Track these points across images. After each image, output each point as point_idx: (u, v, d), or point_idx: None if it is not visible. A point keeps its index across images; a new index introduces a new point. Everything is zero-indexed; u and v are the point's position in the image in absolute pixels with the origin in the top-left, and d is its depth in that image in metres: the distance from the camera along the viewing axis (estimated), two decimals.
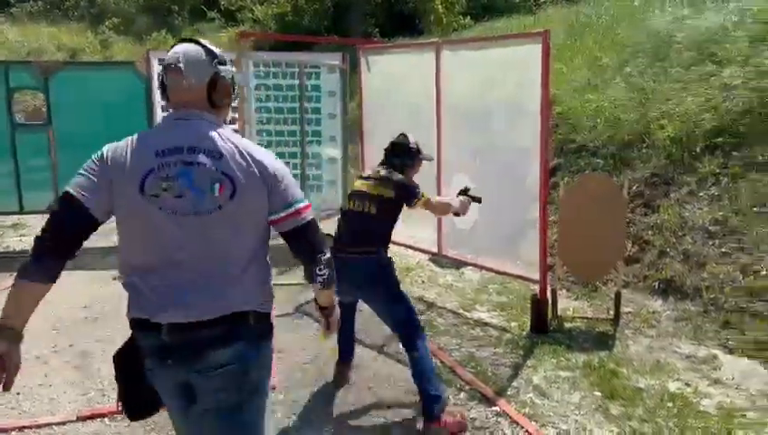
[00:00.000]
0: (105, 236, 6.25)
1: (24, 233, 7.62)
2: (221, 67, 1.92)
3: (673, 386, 3.74)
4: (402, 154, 3.64)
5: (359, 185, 3.56)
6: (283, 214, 1.89)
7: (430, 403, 3.21)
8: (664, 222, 5.32)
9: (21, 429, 3.21)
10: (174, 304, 1.78)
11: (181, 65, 1.86)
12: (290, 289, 5.54)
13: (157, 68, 6.85)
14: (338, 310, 2.19)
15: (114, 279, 5.77)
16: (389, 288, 3.38)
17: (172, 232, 1.79)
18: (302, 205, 1.92)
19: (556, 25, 9.28)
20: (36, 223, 7.75)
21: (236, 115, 6.66)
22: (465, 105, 5.11)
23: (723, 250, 4.81)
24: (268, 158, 1.89)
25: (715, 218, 5.02)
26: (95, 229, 1.84)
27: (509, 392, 3.69)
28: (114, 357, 1.98)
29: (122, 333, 3.39)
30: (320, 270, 1.96)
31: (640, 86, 6.67)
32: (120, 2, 20.97)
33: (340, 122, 7.08)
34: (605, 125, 6.51)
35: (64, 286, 5.57)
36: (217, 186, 1.79)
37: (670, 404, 3.53)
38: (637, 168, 5.92)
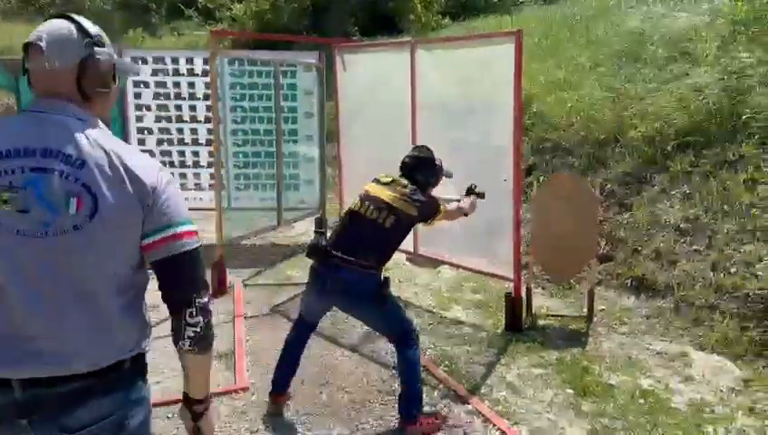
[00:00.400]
0: None
1: None
2: (97, 48, 1.50)
3: (645, 383, 3.78)
4: (427, 171, 3.43)
5: (377, 190, 3.26)
6: (157, 238, 1.46)
7: (408, 404, 3.20)
8: (636, 220, 5.38)
9: None
10: (26, 355, 1.39)
11: (42, 43, 1.45)
12: (265, 289, 5.51)
13: None
14: (213, 408, 1.64)
15: None
16: (384, 307, 3.19)
17: (15, 258, 1.38)
18: (183, 228, 1.49)
19: (533, 25, 9.34)
20: None
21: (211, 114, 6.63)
22: (440, 104, 5.11)
23: (694, 248, 4.87)
24: (147, 167, 1.48)
25: (686, 217, 5.08)
26: None
27: (482, 390, 3.70)
28: None
29: None
30: (190, 316, 1.49)
31: (614, 85, 6.73)
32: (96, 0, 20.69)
33: (317, 121, 7.06)
34: (580, 124, 6.56)
35: None
36: (74, 200, 1.39)
37: (641, 401, 3.57)
38: (610, 166, 5.97)
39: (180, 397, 1.63)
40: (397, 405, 3.28)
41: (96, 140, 1.45)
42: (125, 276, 1.48)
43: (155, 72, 6.85)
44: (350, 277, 3.09)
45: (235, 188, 7.21)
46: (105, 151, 1.44)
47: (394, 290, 5.42)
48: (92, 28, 1.52)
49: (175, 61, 6.85)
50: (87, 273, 1.42)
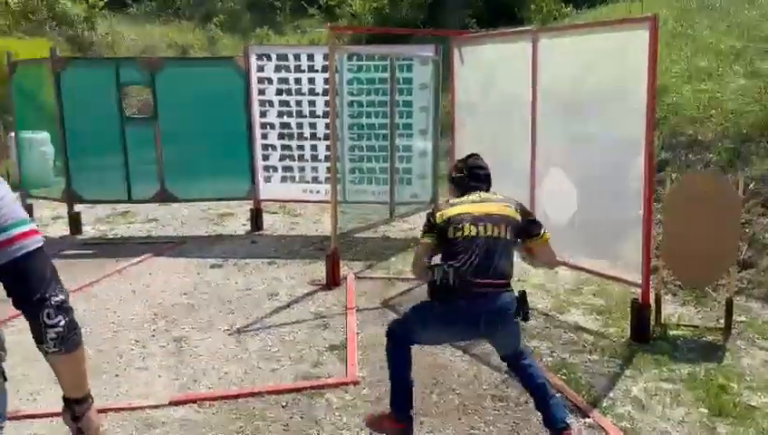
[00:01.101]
0: (213, 223, 6.43)
1: (131, 221, 8.09)
2: None
3: None
4: (488, 180, 3.23)
5: (482, 208, 2.99)
6: None
7: (563, 410, 2.97)
8: None
9: (117, 410, 3.37)
10: None
11: None
12: (377, 283, 5.52)
13: (255, 63, 7.03)
14: (94, 412, 1.55)
15: (212, 267, 5.99)
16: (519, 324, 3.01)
17: None
18: (21, 229, 1.41)
19: (665, 11, 8.66)
20: (143, 211, 8.24)
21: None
22: (563, 96, 4.84)
23: None
24: None
25: None
26: None
27: (604, 404, 3.46)
28: None
29: (220, 319, 3.35)
30: (48, 317, 1.40)
31: (763, 73, 6.07)
32: (227, 0, 21.84)
33: (431, 115, 6.99)
34: (719, 117, 5.98)
35: (166, 273, 5.86)
36: None
37: None
38: (755, 163, 5.39)
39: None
40: (543, 414, 2.97)
41: None
42: None
43: (278, 69, 7.07)
44: (506, 302, 2.88)
45: (349, 181, 7.31)
46: None
47: None
48: None
49: (297, 57, 7.03)
50: None
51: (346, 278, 5.53)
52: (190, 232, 7.47)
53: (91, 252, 6.68)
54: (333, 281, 5.37)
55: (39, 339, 1.43)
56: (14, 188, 9.72)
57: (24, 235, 1.41)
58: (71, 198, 7.32)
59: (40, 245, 1.44)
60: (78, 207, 7.45)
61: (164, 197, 7.39)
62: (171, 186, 7.30)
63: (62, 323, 1.42)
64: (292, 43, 17.68)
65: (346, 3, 20.74)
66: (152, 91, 7.15)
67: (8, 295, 1.44)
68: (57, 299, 1.42)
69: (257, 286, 5.46)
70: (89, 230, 7.55)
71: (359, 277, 5.64)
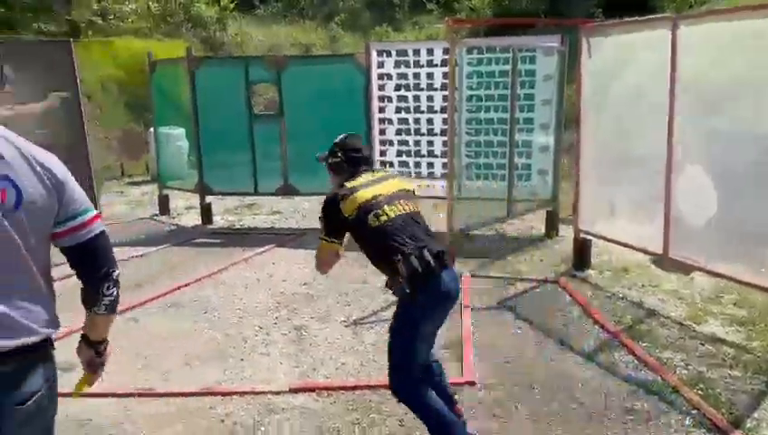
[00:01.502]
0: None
1: (256, 212, 8.48)
2: None
3: None
4: (368, 161, 3.02)
5: (386, 187, 2.80)
6: (69, 225, 1.63)
7: None
8: None
9: (242, 394, 3.51)
10: None
11: None
12: (492, 282, 5.38)
13: (375, 59, 7.09)
14: (110, 348, 1.87)
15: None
16: None
17: None
18: (90, 215, 1.67)
19: None
20: (267, 204, 8.61)
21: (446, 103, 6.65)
22: (704, 86, 4.44)
23: None
24: (54, 160, 1.62)
25: None
26: None
27: (748, 424, 3.13)
28: None
29: (337, 310, 3.32)
30: (107, 289, 1.71)
31: None
32: None
33: (554, 109, 6.70)
34: None
35: (288, 263, 6.05)
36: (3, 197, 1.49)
37: None
38: None
39: None
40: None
41: (2, 135, 1.54)
42: (45, 261, 1.63)
43: (397, 64, 7.10)
44: (451, 272, 2.73)
45: (465, 177, 7.19)
46: (13, 145, 1.53)
47: (636, 295, 4.94)
48: None
49: (416, 52, 7.01)
50: (13, 260, 1.52)
51: (461, 276, 5.44)
52: (310, 224, 7.69)
53: (219, 241, 7.07)
54: None
55: (92, 304, 1.73)
56: (152, 180, 10.57)
57: (92, 220, 1.67)
58: (203, 190, 7.79)
59: (103, 229, 1.71)
60: (209, 199, 7.91)
61: (287, 190, 7.67)
62: (294, 180, 7.56)
63: (115, 293, 1.74)
64: (410, 39, 17.75)
65: None
66: (278, 89, 7.43)
67: (72, 268, 1.69)
68: (116, 274, 1.74)
69: (374, 280, 5.49)
70: (218, 220, 8.00)
71: (474, 276, 5.53)
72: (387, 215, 2.69)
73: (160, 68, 8.26)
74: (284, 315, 4.73)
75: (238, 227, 7.78)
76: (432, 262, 2.60)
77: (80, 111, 6.16)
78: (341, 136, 3.09)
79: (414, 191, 2.96)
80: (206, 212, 7.85)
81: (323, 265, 2.94)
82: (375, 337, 4.28)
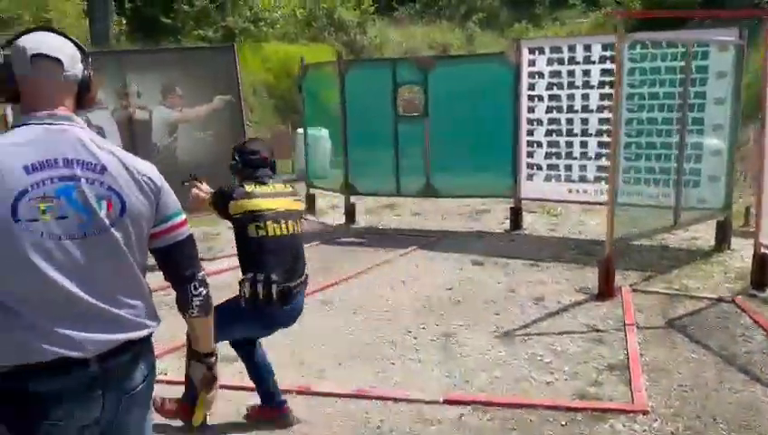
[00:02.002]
0: (471, 219, 6.40)
1: (398, 213, 8.50)
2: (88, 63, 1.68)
3: None
4: (265, 164, 3.11)
5: (283, 203, 3.01)
6: (162, 227, 1.70)
7: None
8: None
9: (395, 400, 3.44)
10: (93, 333, 1.55)
11: (62, 57, 1.58)
12: (657, 298, 4.93)
13: (526, 57, 6.81)
14: (217, 364, 1.87)
15: (473, 264, 5.96)
16: None
17: (58, 259, 1.50)
18: (180, 219, 1.73)
19: None
20: (407, 204, 8.61)
21: (604, 102, 6.24)
22: None
23: None
24: (149, 167, 1.68)
25: None
26: None
27: None
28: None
29: (486, 318, 3.14)
30: (195, 289, 1.74)
31: None
32: None
33: (729, 109, 6.04)
34: None
35: (431, 266, 5.98)
36: (105, 202, 1.56)
37: None
38: None
39: None
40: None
41: (102, 145, 1.60)
42: (144, 263, 1.69)
43: (550, 62, 6.77)
44: (300, 299, 3.11)
45: (623, 181, 6.69)
46: (113, 154, 1.60)
47: None
48: (82, 46, 1.66)
49: (572, 49, 6.64)
50: (121, 263, 1.61)
51: (620, 289, 5.04)
52: (451, 227, 7.58)
53: (362, 241, 7.15)
54: (607, 291, 4.93)
55: (185, 307, 1.75)
56: (297, 179, 10.99)
57: (181, 224, 1.73)
58: (348, 190, 7.93)
59: (190, 233, 1.76)
60: (352, 199, 8.04)
61: (429, 192, 7.61)
62: (436, 181, 7.48)
63: (204, 293, 1.75)
64: (549, 35, 17.10)
65: None
66: (424, 90, 7.38)
67: (161, 269, 1.75)
68: (201, 275, 1.76)
69: (521, 289, 5.26)
70: (360, 220, 8.11)
71: (635, 290, 5.10)
72: (266, 231, 2.92)
73: (311, 72, 8.53)
74: (432, 320, 4.63)
75: (380, 227, 7.83)
76: (274, 297, 2.88)
77: (240, 112, 6.47)
78: (244, 140, 3.42)
79: (302, 213, 3.22)
80: (350, 212, 7.98)
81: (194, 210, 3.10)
82: (529, 351, 4.05)
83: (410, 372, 3.82)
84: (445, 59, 10.19)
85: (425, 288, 5.35)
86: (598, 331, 4.34)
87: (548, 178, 7.05)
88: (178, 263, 1.74)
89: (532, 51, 6.84)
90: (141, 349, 1.69)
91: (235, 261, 3.08)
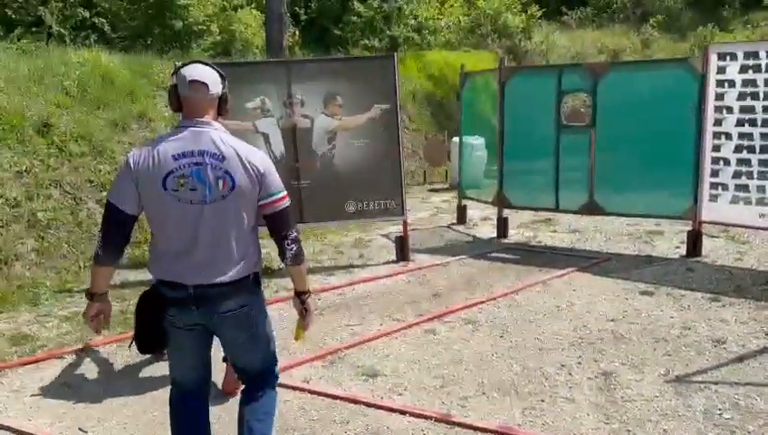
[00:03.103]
0: (641, 241, 5.76)
1: (554, 229, 8.00)
2: (226, 85, 2.46)
3: None
4: None
5: None
6: (266, 201, 2.41)
7: None
8: None
9: None
10: (195, 272, 2.35)
11: (207, 82, 2.37)
12: None
13: (715, 64, 6.04)
14: (313, 299, 2.61)
15: (642, 293, 5.37)
16: None
17: (189, 219, 2.33)
18: (280, 195, 2.43)
19: None
20: (565, 220, 8.08)
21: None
22: None
23: None
24: (258, 158, 2.39)
25: None
26: (135, 221, 2.37)
27: None
28: (138, 303, 2.49)
29: (654, 359, 2.74)
30: (287, 244, 2.43)
31: None
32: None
33: None
34: None
35: (591, 292, 5.50)
36: (221, 181, 2.32)
37: None
38: None
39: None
40: None
41: (227, 141, 2.35)
42: (250, 223, 2.42)
43: (744, 69, 5.93)
44: None
45: None
46: (233, 148, 2.34)
47: None
48: (222, 72, 2.44)
49: None
50: (230, 222, 2.36)
51: None
52: (615, 249, 6.95)
53: (515, 257, 6.78)
54: None
55: (282, 257, 2.47)
56: (451, 187, 10.83)
57: (282, 198, 2.43)
58: (501, 202, 7.61)
59: (287, 205, 2.45)
60: (506, 212, 7.69)
61: (591, 208, 7.04)
62: (600, 197, 6.91)
63: (295, 248, 2.45)
64: (740, 39, 15.34)
65: None
66: (593, 98, 6.85)
67: (269, 230, 2.45)
68: (293, 235, 2.45)
69: (698, 326, 4.61)
70: (513, 234, 7.73)
71: None
72: None
73: (471, 79, 8.33)
74: (590, 355, 4.19)
75: (534, 243, 7.40)
76: None
77: (397, 121, 6.44)
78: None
79: None
80: (503, 225, 7.64)
81: None
82: (706, 403, 3.49)
83: (562, 413, 3.45)
84: (619, 65, 9.43)
85: (583, 317, 4.89)
86: None
87: (735, 200, 6.18)
88: (278, 226, 2.44)
89: (722, 56, 6.04)
90: (233, 287, 2.38)
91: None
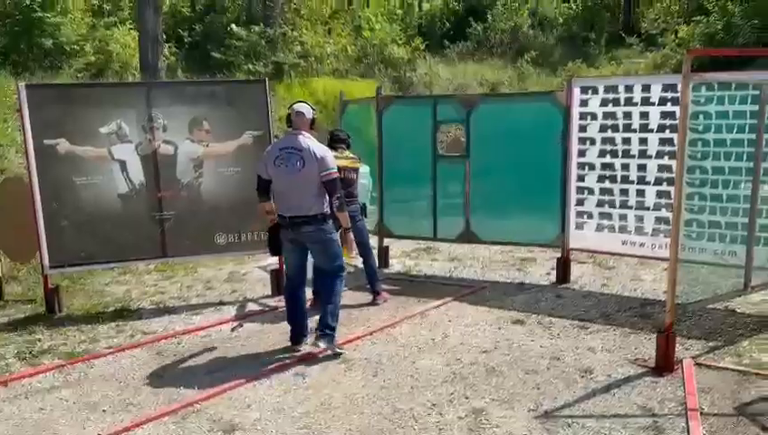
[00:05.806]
0: (514, 267, 5.74)
1: (434, 258, 7.98)
2: (314, 112, 4.77)
3: None
4: (341, 141, 6.03)
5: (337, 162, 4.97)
6: (323, 173, 4.51)
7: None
8: None
9: None
10: (290, 209, 4.57)
11: (304, 110, 4.69)
12: (726, 375, 4.24)
13: (578, 97, 6.30)
14: (351, 234, 4.92)
15: (513, 322, 5.38)
16: None
17: (286, 181, 4.55)
18: (331, 171, 4.55)
19: None
20: (446, 248, 8.09)
21: (665, 148, 5.64)
22: None
23: None
24: (320, 151, 4.56)
25: None
26: (270, 183, 4.65)
27: None
28: (270, 229, 4.82)
29: (524, 393, 2.58)
30: (334, 201, 4.59)
31: None
32: (540, 35, 21.68)
33: None
34: None
35: (465, 322, 5.42)
36: (300, 163, 4.50)
37: None
38: None
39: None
40: None
41: (306, 140, 4.60)
42: (316, 186, 4.55)
43: (604, 102, 6.22)
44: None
45: (684, 235, 6.02)
46: (308, 145, 4.56)
47: None
48: (311, 105, 4.86)
49: (629, 89, 6.07)
50: (305, 185, 4.53)
51: (681, 363, 4.39)
52: (490, 276, 7.01)
53: (395, 288, 6.64)
54: (666, 365, 4.29)
55: (330, 207, 4.61)
56: None
57: (331, 173, 4.56)
58: (382, 232, 7.50)
59: (336, 177, 4.60)
60: (386, 241, 7.58)
61: (468, 237, 7.09)
62: (476, 226, 6.98)
63: (338, 203, 4.61)
64: (605, 75, 16.50)
65: (670, 30, 18.90)
66: (466, 129, 6.94)
67: (326, 191, 4.58)
68: (339, 196, 4.63)
69: (567, 356, 4.66)
70: (394, 264, 7.63)
71: (698, 363, 4.43)
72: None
73: (351, 107, 8.22)
74: (461, 391, 4.08)
75: (415, 273, 7.33)
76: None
77: None
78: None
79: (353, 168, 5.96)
80: (384, 255, 7.52)
81: None
82: None
83: None
84: (489, 96, 9.73)
85: (457, 349, 4.81)
86: (654, 416, 3.70)
87: (600, 228, 6.44)
88: (329, 189, 4.55)
89: (584, 90, 6.31)
90: (308, 219, 4.53)
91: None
